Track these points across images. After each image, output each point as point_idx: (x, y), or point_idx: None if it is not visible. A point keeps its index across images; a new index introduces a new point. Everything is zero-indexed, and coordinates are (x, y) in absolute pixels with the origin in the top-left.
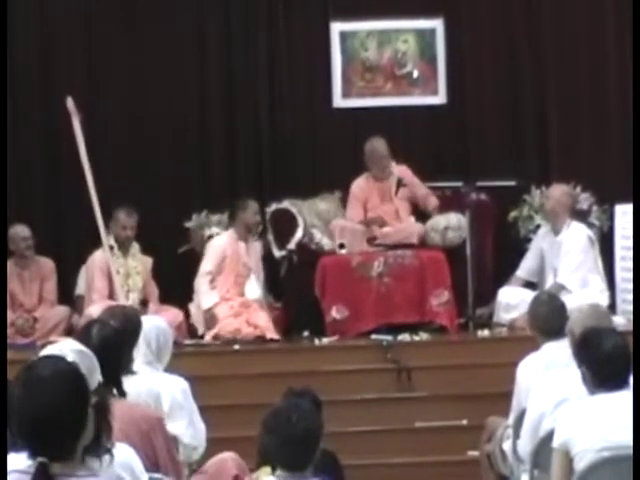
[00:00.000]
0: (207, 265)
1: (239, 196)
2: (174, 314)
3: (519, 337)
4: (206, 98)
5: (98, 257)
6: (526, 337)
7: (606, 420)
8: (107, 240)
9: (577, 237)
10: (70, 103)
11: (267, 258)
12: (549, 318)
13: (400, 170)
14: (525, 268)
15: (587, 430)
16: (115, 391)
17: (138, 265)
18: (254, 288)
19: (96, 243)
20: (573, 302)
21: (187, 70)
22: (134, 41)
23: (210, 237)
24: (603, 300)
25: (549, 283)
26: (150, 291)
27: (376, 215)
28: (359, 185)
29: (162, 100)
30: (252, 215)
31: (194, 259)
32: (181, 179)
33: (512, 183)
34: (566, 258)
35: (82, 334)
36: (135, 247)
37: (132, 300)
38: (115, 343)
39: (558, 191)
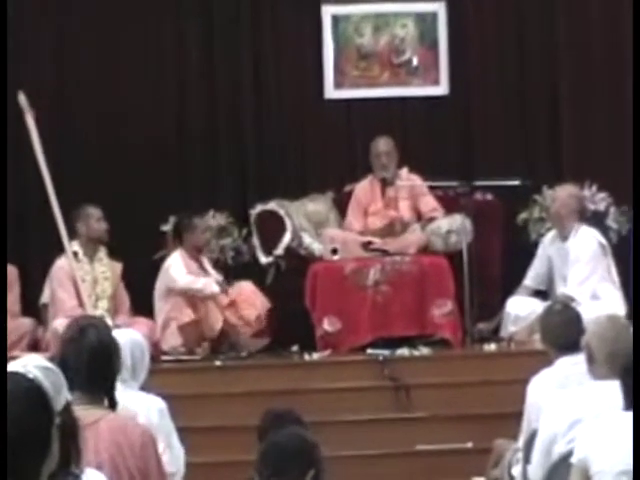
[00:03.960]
0: (181, 272)
1: (220, 197)
2: (149, 326)
3: (529, 352)
4: (185, 86)
5: (61, 265)
6: (537, 352)
7: (626, 442)
8: (70, 246)
9: (586, 244)
10: (22, 99)
11: (252, 264)
12: (563, 330)
13: (410, 177)
14: (533, 276)
15: (606, 450)
16: (106, 402)
17: (106, 270)
18: None
19: (62, 250)
20: (588, 313)
21: (166, 57)
22: (108, 35)
23: None
24: (619, 310)
25: (559, 293)
26: (121, 300)
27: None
28: (363, 188)
29: (138, 85)
30: (200, 235)
31: None
32: (157, 178)
33: (516, 182)
34: (574, 267)
35: (76, 339)
36: (102, 251)
37: (101, 309)
38: (109, 348)
39: (564, 193)
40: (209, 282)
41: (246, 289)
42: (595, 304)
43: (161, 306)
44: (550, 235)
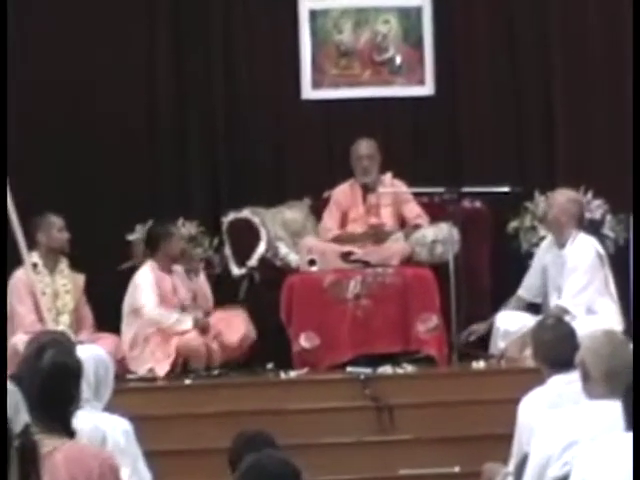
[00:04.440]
0: (150, 299)
1: (190, 204)
2: (114, 342)
3: (520, 369)
4: (153, 87)
5: (19, 277)
6: (529, 369)
7: (626, 465)
8: (29, 257)
9: (584, 253)
10: None
11: (224, 277)
12: (556, 347)
13: (393, 183)
14: (528, 287)
15: (605, 473)
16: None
17: (68, 283)
18: None
19: (20, 261)
20: (583, 328)
21: (133, 54)
22: (73, 31)
23: None
24: (616, 325)
25: (553, 305)
26: (83, 314)
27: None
28: (343, 191)
29: (102, 85)
30: (176, 244)
31: None
32: (122, 185)
33: (507, 189)
34: (570, 277)
35: (32, 359)
36: (63, 262)
37: (62, 324)
38: (67, 371)
39: (562, 197)
40: (182, 319)
41: (234, 317)
42: (591, 319)
43: (130, 321)
44: (545, 243)
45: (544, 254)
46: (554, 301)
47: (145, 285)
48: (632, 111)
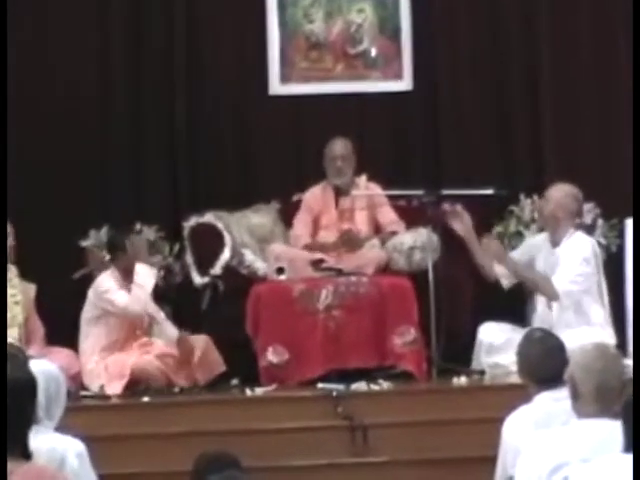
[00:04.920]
0: (124, 297)
1: (148, 208)
2: (67, 357)
3: (505, 386)
4: (109, 79)
5: None
6: (514, 386)
7: None
8: None
9: (579, 248)
10: None
11: (185, 286)
12: (543, 361)
13: (368, 186)
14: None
15: None
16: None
17: (17, 293)
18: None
19: None
20: (572, 341)
21: (86, 42)
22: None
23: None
24: (608, 338)
25: (539, 310)
26: (34, 327)
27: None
28: (314, 194)
29: (52, 78)
30: (139, 253)
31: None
32: (74, 186)
33: (490, 192)
34: (564, 264)
35: None
36: (12, 271)
37: (11, 338)
38: (23, 388)
39: (560, 192)
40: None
41: (205, 349)
42: (582, 331)
43: (88, 331)
44: (541, 237)
45: (538, 247)
46: (541, 306)
47: (112, 287)
48: (632, 111)
